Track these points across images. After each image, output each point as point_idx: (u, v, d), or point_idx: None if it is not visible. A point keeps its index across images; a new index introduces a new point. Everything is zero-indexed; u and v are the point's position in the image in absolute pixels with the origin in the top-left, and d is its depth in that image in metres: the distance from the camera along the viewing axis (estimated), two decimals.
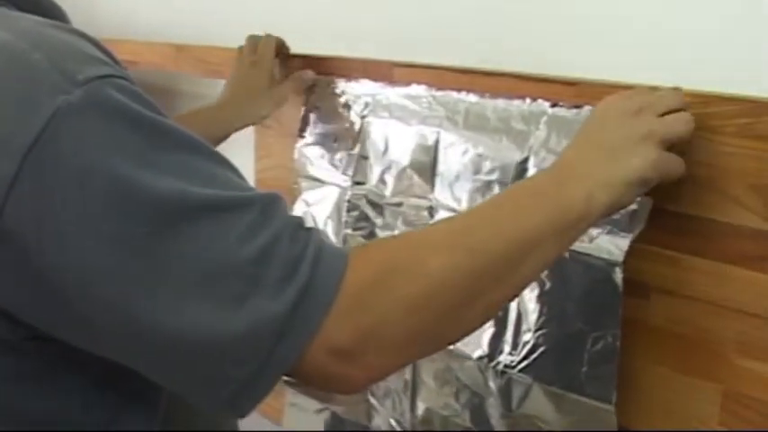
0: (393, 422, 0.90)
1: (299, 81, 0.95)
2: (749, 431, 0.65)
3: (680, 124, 0.59)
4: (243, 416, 0.51)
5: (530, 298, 0.74)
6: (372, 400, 0.93)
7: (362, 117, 0.91)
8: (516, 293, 0.58)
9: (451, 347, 0.78)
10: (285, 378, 0.50)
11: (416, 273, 0.50)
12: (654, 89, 0.63)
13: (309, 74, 0.94)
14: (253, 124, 0.96)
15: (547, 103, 0.74)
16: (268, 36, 0.95)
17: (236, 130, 0.94)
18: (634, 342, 0.70)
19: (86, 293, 0.46)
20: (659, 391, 0.71)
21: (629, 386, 0.70)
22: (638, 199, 0.65)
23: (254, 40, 0.96)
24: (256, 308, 0.46)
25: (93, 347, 0.50)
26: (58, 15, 0.59)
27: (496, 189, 0.77)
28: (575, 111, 0.72)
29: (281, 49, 0.96)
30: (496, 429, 0.78)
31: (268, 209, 0.49)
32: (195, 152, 0.49)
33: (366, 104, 0.90)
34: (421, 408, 0.85)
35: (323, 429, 1.01)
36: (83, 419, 0.55)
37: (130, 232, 0.45)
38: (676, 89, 0.63)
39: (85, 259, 0.45)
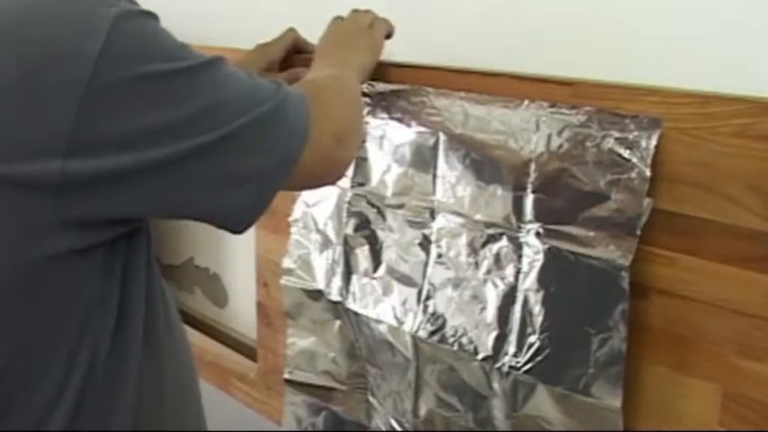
0: (394, 423, 0.90)
1: (294, 78, 0.95)
2: (749, 431, 0.65)
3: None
4: (246, 224, 0.62)
5: (535, 300, 0.74)
6: (372, 401, 0.93)
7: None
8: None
9: (455, 348, 0.79)
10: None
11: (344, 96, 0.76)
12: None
13: (305, 73, 0.95)
14: None
15: (546, 104, 0.74)
16: (289, 30, 0.97)
17: None
18: (633, 342, 0.70)
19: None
20: (658, 391, 0.71)
21: (628, 386, 0.70)
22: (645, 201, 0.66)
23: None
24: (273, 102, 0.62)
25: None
26: None
27: (498, 190, 0.77)
28: (573, 111, 0.72)
29: (299, 47, 0.97)
30: (500, 430, 0.78)
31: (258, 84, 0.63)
32: (209, 59, 0.60)
33: (366, 105, 0.90)
34: (423, 409, 0.86)
35: (323, 429, 1.01)
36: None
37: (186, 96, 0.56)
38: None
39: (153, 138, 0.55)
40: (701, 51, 0.69)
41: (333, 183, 0.75)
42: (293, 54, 0.97)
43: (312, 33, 0.95)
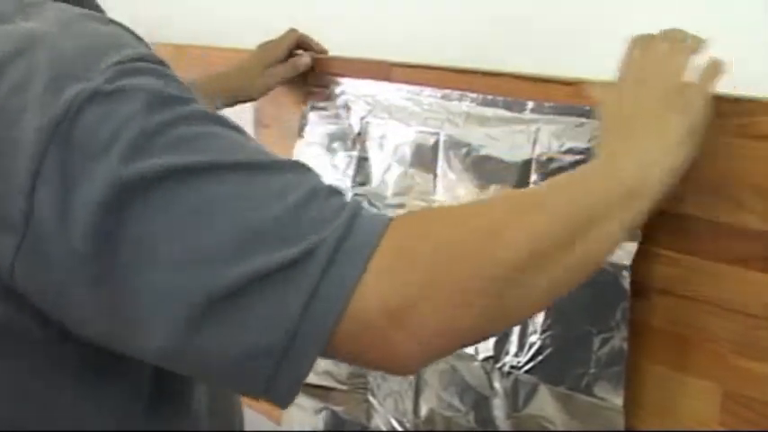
0: (394, 422, 0.90)
1: (293, 66, 0.97)
2: (749, 431, 0.65)
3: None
4: (284, 401, 0.46)
5: None
6: (372, 400, 0.93)
7: (362, 118, 0.91)
8: (581, 271, 0.52)
9: None
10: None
11: (479, 235, 0.47)
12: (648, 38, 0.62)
13: (305, 59, 0.96)
14: (242, 102, 0.99)
15: (547, 104, 0.74)
16: (290, 30, 0.98)
17: (225, 105, 0.96)
18: (634, 342, 0.70)
19: (114, 263, 0.44)
20: (659, 391, 0.71)
21: (629, 385, 0.70)
22: None
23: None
24: (289, 268, 0.43)
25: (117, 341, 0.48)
26: (89, 4, 0.59)
27: (498, 190, 0.77)
28: (574, 111, 0.72)
29: (304, 45, 0.98)
30: (501, 430, 0.78)
31: (300, 171, 0.48)
32: (218, 123, 0.48)
33: (366, 105, 0.90)
34: (424, 408, 0.86)
35: (323, 429, 1.01)
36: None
37: (162, 190, 0.44)
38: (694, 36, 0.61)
39: (114, 232, 0.44)
40: (702, 51, 0.69)
41: (396, 371, 0.50)
42: (295, 53, 0.98)
43: (307, 33, 0.95)
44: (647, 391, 0.71)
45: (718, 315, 0.66)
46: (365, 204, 0.89)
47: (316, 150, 0.97)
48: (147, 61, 0.48)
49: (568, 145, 0.72)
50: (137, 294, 0.44)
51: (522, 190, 0.56)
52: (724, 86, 0.64)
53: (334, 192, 0.47)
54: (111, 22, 0.52)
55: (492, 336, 0.63)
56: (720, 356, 0.66)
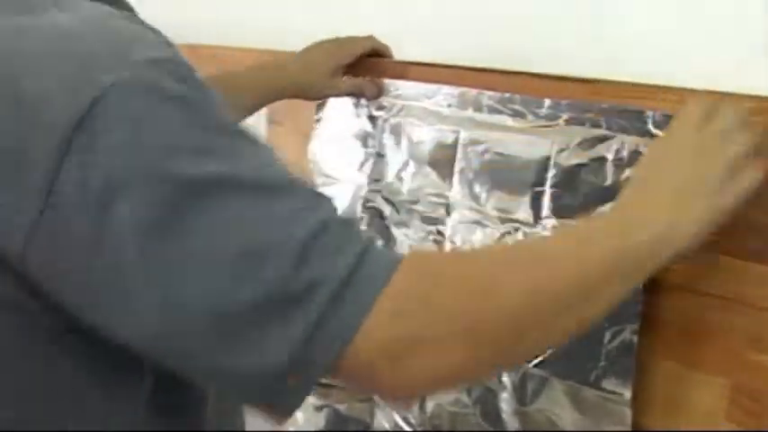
0: (400, 420, 0.90)
1: (359, 91, 0.92)
2: None
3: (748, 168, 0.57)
4: (283, 417, 0.48)
5: None
6: (376, 397, 0.93)
7: (379, 116, 0.92)
8: (579, 327, 0.53)
9: None
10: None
11: (481, 285, 0.48)
12: (715, 104, 0.60)
13: (372, 89, 0.91)
14: (296, 98, 0.94)
15: (565, 102, 0.75)
16: (370, 36, 0.93)
17: (285, 97, 0.93)
18: (643, 336, 0.70)
19: (119, 263, 0.45)
20: (668, 385, 0.71)
21: (638, 380, 0.70)
22: None
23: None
24: (293, 298, 0.45)
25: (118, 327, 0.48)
26: (115, 2, 0.58)
27: (516, 187, 0.78)
28: (592, 108, 0.73)
29: (378, 53, 0.93)
30: (508, 425, 0.78)
31: (315, 198, 0.48)
32: (242, 137, 0.49)
33: (383, 102, 0.91)
34: (430, 404, 0.85)
35: (324, 428, 1.00)
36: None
37: (173, 200, 0.45)
38: (734, 101, 0.60)
39: (123, 232, 0.45)
40: (702, 51, 0.70)
41: (389, 401, 0.55)
42: (364, 59, 0.93)
43: (319, 32, 0.94)
44: (656, 385, 0.72)
45: (728, 309, 0.67)
46: (379, 200, 0.91)
47: (331, 147, 0.97)
48: (177, 64, 0.48)
49: (586, 143, 0.73)
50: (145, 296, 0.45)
51: (532, 243, 0.56)
52: (724, 86, 0.65)
53: (349, 223, 0.49)
54: (143, 24, 0.52)
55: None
56: (730, 350, 0.67)
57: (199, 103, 0.48)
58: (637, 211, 0.55)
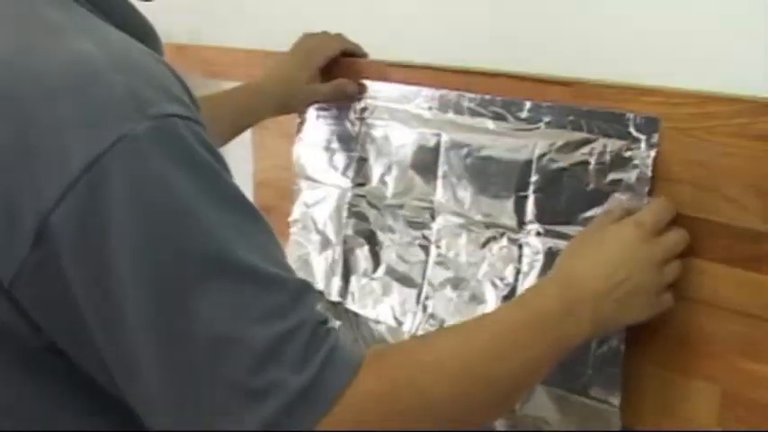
0: None
1: (340, 91, 0.91)
2: (749, 431, 0.65)
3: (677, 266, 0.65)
4: None
5: None
6: None
7: (362, 118, 0.91)
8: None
9: None
10: None
11: (418, 397, 0.52)
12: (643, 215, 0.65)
13: (353, 87, 0.90)
14: (281, 114, 0.94)
15: (546, 104, 0.74)
16: (338, 35, 0.92)
17: (268, 117, 0.93)
18: (633, 343, 0.69)
19: (102, 318, 0.47)
20: (658, 391, 0.70)
21: (628, 386, 0.70)
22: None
23: (325, 36, 0.93)
24: (252, 395, 0.46)
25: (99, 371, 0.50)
26: (146, 38, 0.57)
27: (500, 191, 0.77)
28: (574, 111, 0.72)
29: (350, 52, 0.93)
30: (498, 430, 0.78)
31: (298, 296, 0.49)
32: (249, 216, 0.49)
33: (365, 105, 0.90)
34: None
35: None
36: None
37: (161, 270, 0.45)
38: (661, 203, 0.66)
39: (111, 289, 0.45)
40: (702, 51, 0.69)
41: None
42: (339, 59, 0.92)
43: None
44: (646, 391, 0.71)
45: (716, 316, 0.66)
46: (364, 205, 0.89)
47: (314, 151, 0.96)
48: (197, 124, 0.48)
49: (567, 147, 0.72)
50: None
51: (470, 351, 0.56)
52: (724, 86, 0.64)
53: (321, 324, 0.49)
54: (169, 68, 0.51)
55: None
56: (720, 358, 0.66)
57: (212, 171, 0.48)
58: (579, 308, 0.60)
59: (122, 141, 0.44)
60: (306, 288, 0.50)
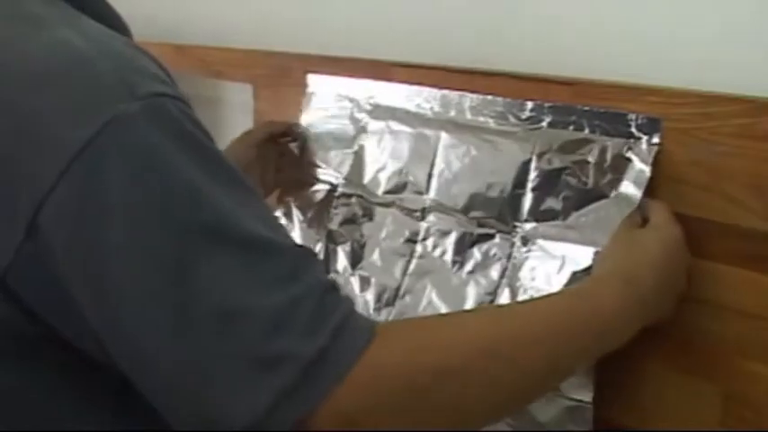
0: None
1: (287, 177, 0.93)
2: (750, 431, 0.65)
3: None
4: None
5: (505, 298, 0.73)
6: None
7: (360, 117, 0.90)
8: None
9: None
10: None
11: (432, 370, 0.49)
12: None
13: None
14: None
15: (547, 104, 0.74)
16: (266, 122, 0.93)
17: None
18: (634, 343, 0.69)
19: (103, 302, 0.46)
20: (659, 392, 0.70)
21: (629, 387, 0.70)
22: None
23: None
24: (264, 363, 0.45)
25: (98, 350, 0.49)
26: (119, 27, 0.58)
27: (497, 189, 0.77)
28: (574, 111, 0.71)
29: (285, 134, 0.94)
30: (498, 430, 0.77)
31: (303, 263, 0.48)
32: (243, 187, 0.49)
33: (364, 104, 0.90)
34: None
35: None
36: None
37: (165, 242, 0.45)
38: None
39: (113, 269, 0.45)
40: (702, 52, 0.69)
41: None
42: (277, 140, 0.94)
43: (306, 32, 0.93)
44: (648, 391, 0.71)
45: (717, 316, 0.66)
46: (354, 201, 0.88)
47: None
48: (184, 102, 0.49)
49: (568, 146, 0.72)
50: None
51: (499, 325, 0.54)
52: (724, 86, 0.64)
53: (330, 290, 0.49)
54: (145, 52, 0.52)
55: None
56: (721, 357, 0.66)
57: (205, 146, 0.48)
58: (612, 321, 0.60)
59: (115, 122, 0.45)
60: (310, 254, 0.50)
